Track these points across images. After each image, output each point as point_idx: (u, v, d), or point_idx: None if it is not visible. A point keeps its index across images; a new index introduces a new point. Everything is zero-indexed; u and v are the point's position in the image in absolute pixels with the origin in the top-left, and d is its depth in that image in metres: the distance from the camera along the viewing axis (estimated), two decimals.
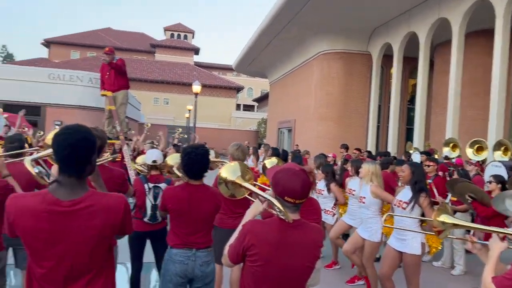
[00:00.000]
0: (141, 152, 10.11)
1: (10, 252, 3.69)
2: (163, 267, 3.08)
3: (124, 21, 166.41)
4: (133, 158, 6.62)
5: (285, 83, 23.65)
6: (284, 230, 2.00)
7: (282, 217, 1.99)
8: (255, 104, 56.45)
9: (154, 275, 5.23)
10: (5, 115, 10.42)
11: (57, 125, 21.04)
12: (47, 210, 1.72)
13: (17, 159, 3.74)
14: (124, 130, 6.84)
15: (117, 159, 5.84)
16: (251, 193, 2.55)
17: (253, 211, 2.17)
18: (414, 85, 16.27)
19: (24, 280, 1.88)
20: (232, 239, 2.10)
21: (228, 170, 2.38)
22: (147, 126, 11.69)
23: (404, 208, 4.04)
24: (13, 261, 3.81)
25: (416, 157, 8.95)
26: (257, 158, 9.48)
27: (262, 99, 48.48)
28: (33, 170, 2.07)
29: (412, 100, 17.17)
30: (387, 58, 16.17)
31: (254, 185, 2.52)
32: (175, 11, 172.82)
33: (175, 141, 11.92)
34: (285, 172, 2.05)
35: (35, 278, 1.78)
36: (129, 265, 4.26)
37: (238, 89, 49.14)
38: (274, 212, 2.05)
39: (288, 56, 21.32)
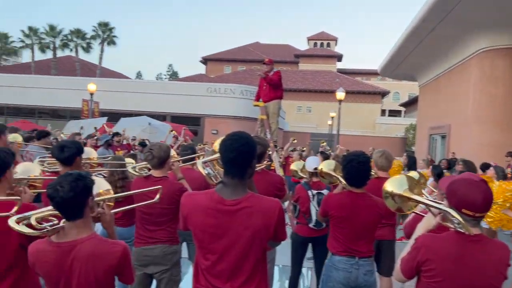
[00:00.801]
0: (286, 159, 10.53)
1: (184, 246, 4.23)
2: (324, 273, 3.15)
3: (271, 35, 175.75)
4: (281, 165, 6.92)
5: (437, 85, 21.76)
6: (462, 245, 1.86)
7: (460, 230, 1.85)
8: (402, 109, 53.24)
9: (304, 280, 5.34)
10: (173, 132, 12.00)
11: (213, 133, 23.27)
12: (214, 207, 1.93)
13: (189, 163, 4.31)
14: (273, 139, 7.20)
15: (271, 167, 6.18)
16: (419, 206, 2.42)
17: (426, 225, 2.07)
18: None
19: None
20: (403, 253, 2.03)
21: (394, 183, 2.30)
22: (294, 141, 12.21)
23: None
24: (187, 254, 4.35)
25: None
26: None
27: (410, 104, 45.48)
28: (204, 171, 2.35)
29: None
30: None
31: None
32: (318, 20, 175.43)
33: (321, 149, 12.04)
34: (462, 182, 1.91)
35: (201, 269, 2.00)
36: (281, 267, 4.45)
37: (383, 93, 47.09)
38: (450, 225, 1.92)
39: (441, 56, 19.60)
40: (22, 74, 31.56)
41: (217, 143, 2.75)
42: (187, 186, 3.61)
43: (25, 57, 49.05)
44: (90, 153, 3.98)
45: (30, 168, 3.04)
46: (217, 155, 2.17)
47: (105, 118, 17.00)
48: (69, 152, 3.20)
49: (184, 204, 2.04)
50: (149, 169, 3.62)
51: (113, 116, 19.17)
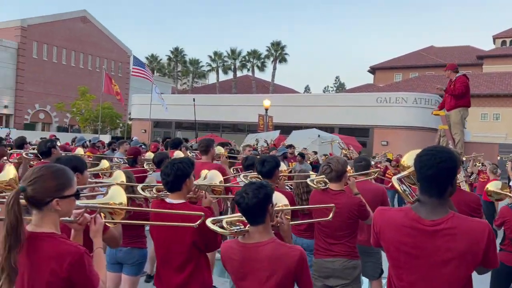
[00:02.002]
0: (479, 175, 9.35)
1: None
2: None
3: (447, 37, 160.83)
4: (468, 182, 6.19)
5: None
6: None
7: None
8: None
9: None
10: (342, 144, 12.01)
11: (383, 144, 22.35)
12: (410, 226, 1.83)
13: (365, 177, 4.25)
14: (459, 151, 6.50)
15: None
16: None
17: None
18: None
19: None
20: None
21: None
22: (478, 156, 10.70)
23: None
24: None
25: None
26: None
27: None
28: (400, 188, 2.26)
29: None
30: None
31: None
32: (507, 16, 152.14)
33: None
34: None
35: None
36: None
37: None
38: None
39: None
40: (209, 94, 36.16)
41: (406, 158, 2.61)
42: (364, 201, 3.56)
43: (211, 78, 56.21)
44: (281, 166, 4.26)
45: (214, 175, 3.40)
46: (411, 169, 2.06)
47: (278, 131, 18.10)
48: (269, 166, 3.55)
49: (376, 220, 2.01)
50: (326, 182, 3.71)
51: (285, 129, 20.27)
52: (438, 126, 7.04)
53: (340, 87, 79.95)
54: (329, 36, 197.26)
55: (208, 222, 2.29)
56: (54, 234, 1.79)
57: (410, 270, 1.85)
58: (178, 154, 6.11)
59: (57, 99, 35.94)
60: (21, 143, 6.21)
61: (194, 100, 16.96)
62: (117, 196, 2.31)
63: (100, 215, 2.11)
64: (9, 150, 5.71)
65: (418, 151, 1.95)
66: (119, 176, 3.39)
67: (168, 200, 2.76)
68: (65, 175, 1.86)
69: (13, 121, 35.91)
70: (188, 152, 6.44)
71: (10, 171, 2.58)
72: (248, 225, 2.18)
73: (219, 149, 5.84)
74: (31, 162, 5.39)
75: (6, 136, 17.98)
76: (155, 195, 2.95)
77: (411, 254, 1.83)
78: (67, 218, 1.92)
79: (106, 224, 2.19)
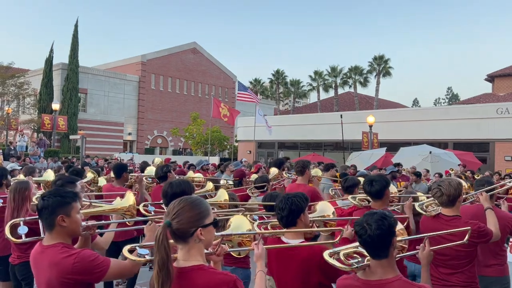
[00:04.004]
0: None
1: None
2: None
3: None
4: None
5: None
6: None
7: None
8: None
9: None
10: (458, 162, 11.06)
11: (507, 160, 19.97)
12: None
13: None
14: None
15: None
16: None
17: None
18: None
19: None
20: None
21: None
22: None
23: None
24: None
25: None
26: None
27: None
28: None
29: None
30: None
31: None
32: None
33: None
34: None
35: None
36: None
37: None
38: None
39: None
40: (310, 113, 36.23)
41: None
42: (482, 224, 3.25)
43: (312, 97, 56.31)
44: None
45: (325, 207, 3.23)
46: None
47: (384, 149, 17.32)
48: (378, 186, 3.40)
49: None
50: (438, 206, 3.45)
51: (392, 146, 19.32)
52: None
53: (453, 99, 74.18)
54: (437, 44, 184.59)
55: (326, 255, 2.19)
56: (203, 266, 1.83)
57: None
58: (273, 171, 6.22)
59: (172, 124, 39.29)
60: (144, 167, 6.92)
61: (341, 117, 16.82)
62: (244, 225, 2.34)
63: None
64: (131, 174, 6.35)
65: None
66: (222, 194, 3.56)
67: (284, 239, 2.69)
68: (202, 204, 1.90)
69: (136, 146, 40.05)
70: (284, 173, 6.49)
71: (130, 198, 2.78)
72: (367, 257, 2.05)
73: (316, 172, 5.77)
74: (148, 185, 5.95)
75: (129, 160, 20.08)
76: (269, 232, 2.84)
77: None
78: (205, 251, 1.95)
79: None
